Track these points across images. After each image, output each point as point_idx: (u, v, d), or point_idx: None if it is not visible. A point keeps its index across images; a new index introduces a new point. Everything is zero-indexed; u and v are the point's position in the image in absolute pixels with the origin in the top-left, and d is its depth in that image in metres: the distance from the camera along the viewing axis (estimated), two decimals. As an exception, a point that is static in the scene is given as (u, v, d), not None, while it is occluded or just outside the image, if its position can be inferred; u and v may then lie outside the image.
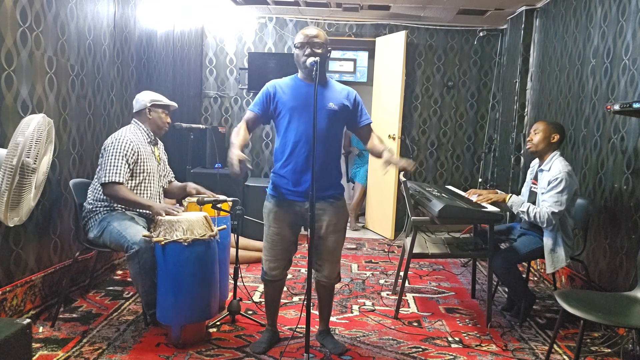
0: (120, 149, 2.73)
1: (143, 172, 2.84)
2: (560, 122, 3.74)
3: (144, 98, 2.92)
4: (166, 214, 2.64)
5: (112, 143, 2.76)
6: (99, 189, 2.76)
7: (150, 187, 2.89)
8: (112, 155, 2.72)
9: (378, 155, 2.50)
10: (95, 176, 2.84)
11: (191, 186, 3.05)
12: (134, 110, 2.95)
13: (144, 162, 2.84)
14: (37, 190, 2.24)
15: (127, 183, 2.76)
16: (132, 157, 2.77)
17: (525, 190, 3.28)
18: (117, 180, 2.69)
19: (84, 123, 3.24)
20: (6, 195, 2.01)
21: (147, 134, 2.92)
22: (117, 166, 2.70)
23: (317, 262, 2.54)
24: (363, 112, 2.58)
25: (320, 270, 2.54)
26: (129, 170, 2.75)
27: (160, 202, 2.99)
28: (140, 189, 2.85)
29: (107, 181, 2.69)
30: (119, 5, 3.59)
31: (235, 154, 2.28)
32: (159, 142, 3.09)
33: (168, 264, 2.51)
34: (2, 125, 2.46)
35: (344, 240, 2.57)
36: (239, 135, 2.44)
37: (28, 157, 2.07)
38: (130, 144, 2.77)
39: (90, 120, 3.31)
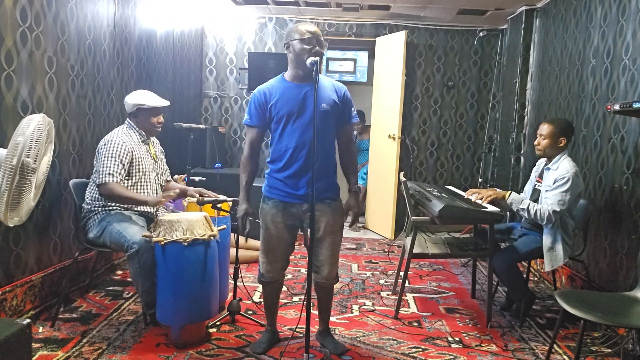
0: (113, 150, 2.75)
1: (139, 172, 2.86)
2: (567, 119, 3.57)
3: (129, 101, 2.91)
4: (163, 199, 2.74)
5: (105, 145, 2.78)
6: (96, 189, 2.78)
7: (147, 186, 2.91)
8: (104, 157, 2.74)
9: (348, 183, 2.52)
10: (92, 177, 2.85)
11: (192, 190, 3.03)
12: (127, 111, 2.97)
13: (139, 162, 2.86)
14: (37, 190, 2.24)
15: (124, 182, 2.77)
16: (126, 158, 2.78)
17: (528, 188, 3.27)
18: (110, 180, 2.70)
19: (84, 123, 3.24)
20: (6, 195, 2.00)
21: (140, 134, 2.93)
22: (109, 167, 2.72)
23: (315, 264, 2.52)
24: (349, 109, 2.50)
25: (319, 272, 2.53)
26: (123, 169, 2.77)
27: None
28: (137, 188, 2.86)
29: (101, 182, 2.71)
30: (119, 5, 3.59)
31: (241, 210, 2.45)
32: (155, 139, 3.10)
33: (168, 264, 2.51)
34: (2, 125, 2.46)
35: (341, 240, 2.56)
36: (246, 171, 2.49)
37: (28, 157, 2.07)
38: (123, 145, 2.78)
39: (90, 120, 3.31)
